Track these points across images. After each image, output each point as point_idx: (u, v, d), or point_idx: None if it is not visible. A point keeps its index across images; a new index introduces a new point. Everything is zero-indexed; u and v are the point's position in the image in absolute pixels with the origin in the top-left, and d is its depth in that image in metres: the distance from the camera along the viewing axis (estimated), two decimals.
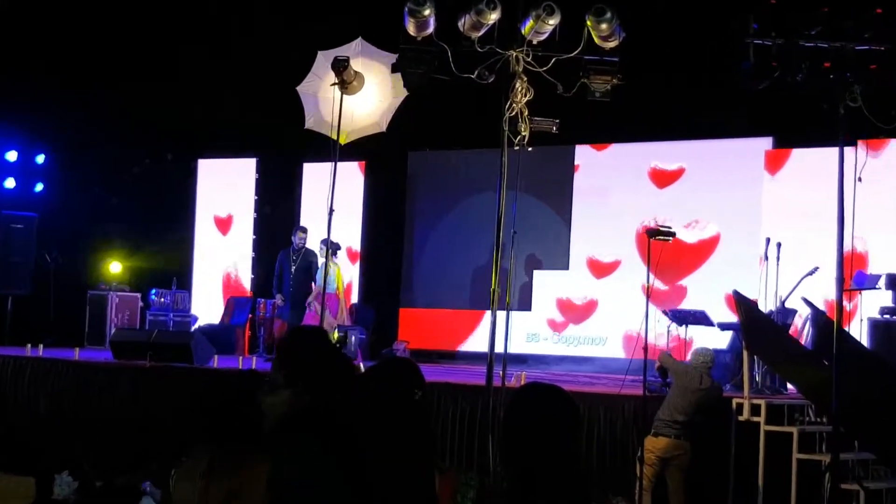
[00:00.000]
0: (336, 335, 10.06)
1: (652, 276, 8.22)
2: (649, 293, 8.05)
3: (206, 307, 13.81)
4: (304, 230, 11.67)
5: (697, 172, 12.07)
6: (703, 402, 7.73)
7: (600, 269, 12.49)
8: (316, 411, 2.55)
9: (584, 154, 12.66)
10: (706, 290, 11.58)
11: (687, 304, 11.19)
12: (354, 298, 13.29)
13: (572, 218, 12.61)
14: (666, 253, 8.33)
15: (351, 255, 13.43)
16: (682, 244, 11.27)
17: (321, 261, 11.01)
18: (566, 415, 2.61)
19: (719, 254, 11.85)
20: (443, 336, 13.05)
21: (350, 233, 13.28)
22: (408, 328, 13.21)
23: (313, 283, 11.40)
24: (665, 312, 10.07)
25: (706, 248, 11.96)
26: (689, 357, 8.24)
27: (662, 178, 12.25)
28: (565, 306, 12.63)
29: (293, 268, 11.43)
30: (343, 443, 2.47)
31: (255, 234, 14.13)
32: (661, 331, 9.77)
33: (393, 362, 2.98)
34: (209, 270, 14.30)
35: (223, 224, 14.38)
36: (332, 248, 10.29)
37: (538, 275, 12.67)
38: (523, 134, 7.22)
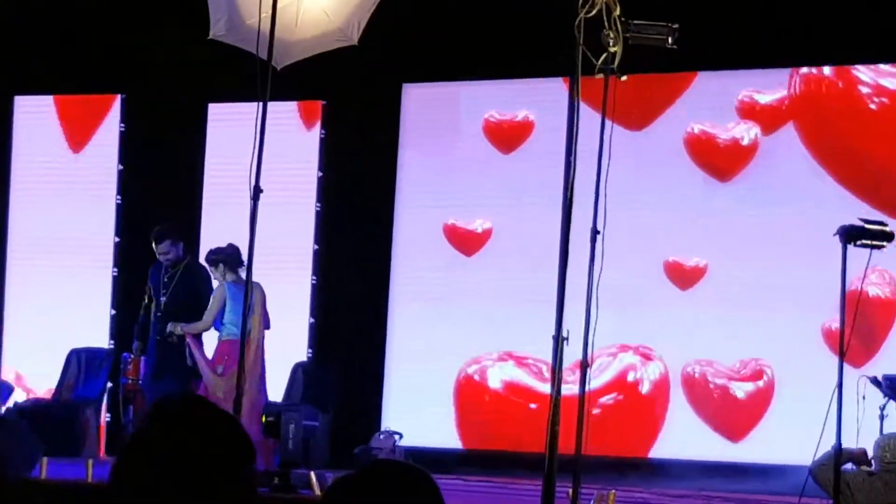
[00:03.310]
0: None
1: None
2: (844, 348, 8.04)
3: (32, 367, 13.94)
4: (164, 235, 11.31)
5: None
6: None
7: None
8: None
9: (713, 84, 12.80)
10: None
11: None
12: (300, 351, 13.46)
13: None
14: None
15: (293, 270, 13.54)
16: None
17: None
18: None
19: None
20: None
21: (296, 229, 13.41)
22: (400, 406, 13.25)
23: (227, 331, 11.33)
24: (875, 381, 10.16)
25: None
26: (871, 454, 8.44)
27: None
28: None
29: (163, 298, 11.32)
30: None
31: (117, 235, 14.34)
32: (868, 414, 9.77)
33: (391, 474, 2.96)
34: (37, 295, 14.42)
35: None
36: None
37: None
38: (613, 50, 7.27)
